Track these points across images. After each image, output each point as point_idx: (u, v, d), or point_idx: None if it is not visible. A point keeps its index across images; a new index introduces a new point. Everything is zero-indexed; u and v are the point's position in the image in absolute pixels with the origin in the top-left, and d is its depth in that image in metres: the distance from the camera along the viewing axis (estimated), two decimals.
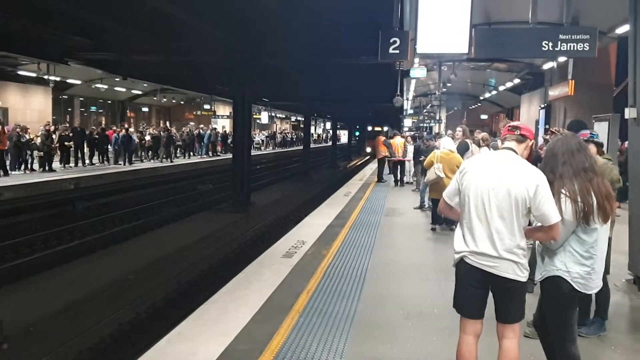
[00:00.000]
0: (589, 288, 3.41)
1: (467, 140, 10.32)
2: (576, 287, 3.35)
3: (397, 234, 9.80)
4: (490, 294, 3.40)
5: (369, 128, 52.96)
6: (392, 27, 8.78)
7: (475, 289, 3.37)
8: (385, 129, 43.46)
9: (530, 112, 28.01)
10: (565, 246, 3.36)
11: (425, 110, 54.43)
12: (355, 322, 5.11)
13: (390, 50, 8.14)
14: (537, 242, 3.62)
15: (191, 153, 30.06)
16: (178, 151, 28.80)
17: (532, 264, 3.69)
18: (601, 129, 6.67)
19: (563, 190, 3.30)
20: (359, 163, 44.07)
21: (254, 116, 46.11)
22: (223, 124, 41.90)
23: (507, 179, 3.24)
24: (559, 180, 3.34)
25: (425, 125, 53.04)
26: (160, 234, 15.35)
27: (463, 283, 3.43)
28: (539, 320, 3.70)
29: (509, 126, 3.56)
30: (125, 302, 9.24)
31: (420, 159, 13.53)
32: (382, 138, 19.54)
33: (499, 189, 3.23)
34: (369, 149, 48.27)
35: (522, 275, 3.27)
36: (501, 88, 30.79)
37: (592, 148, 4.67)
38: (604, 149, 5.09)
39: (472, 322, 3.42)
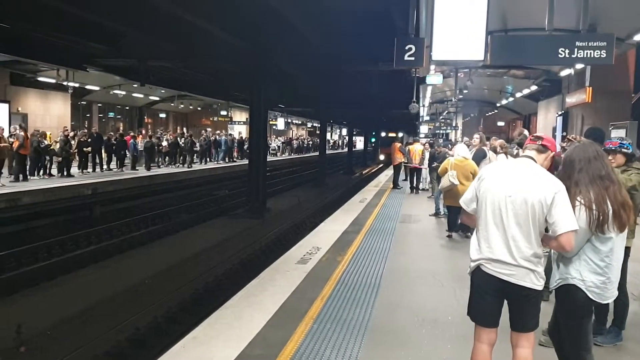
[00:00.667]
0: (604, 297, 3.38)
1: (484, 148, 10.27)
2: (591, 297, 3.32)
3: (412, 241, 9.77)
4: (505, 302, 3.39)
5: (382, 134, 50.91)
6: (408, 34, 8.79)
7: (490, 297, 3.35)
8: (400, 134, 43.27)
9: (547, 119, 27.80)
10: (580, 254, 3.33)
11: (441, 117, 54.28)
12: (369, 329, 5.11)
13: (406, 57, 8.14)
14: (552, 249, 3.59)
15: (208, 159, 30.22)
16: (195, 157, 28.94)
17: (548, 272, 3.66)
18: (618, 136, 6.61)
19: (578, 198, 3.28)
20: (375, 170, 42.54)
21: (270, 122, 46.28)
22: (240, 130, 42.13)
23: (525, 186, 3.22)
24: (574, 188, 3.32)
25: (441, 131, 52.88)
26: (177, 239, 15.46)
27: (478, 291, 3.41)
28: (554, 328, 3.67)
29: (532, 136, 3.55)
30: (141, 306, 9.31)
31: (433, 165, 13.50)
32: (399, 144, 19.51)
33: (517, 196, 3.21)
34: (382, 157, 46.10)
35: (538, 284, 3.25)
36: (518, 95, 30.62)
37: (620, 158, 4.59)
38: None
39: (486, 331, 3.41)
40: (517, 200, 3.21)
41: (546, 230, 3.28)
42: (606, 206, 3.26)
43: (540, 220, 3.20)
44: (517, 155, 5.39)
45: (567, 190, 3.27)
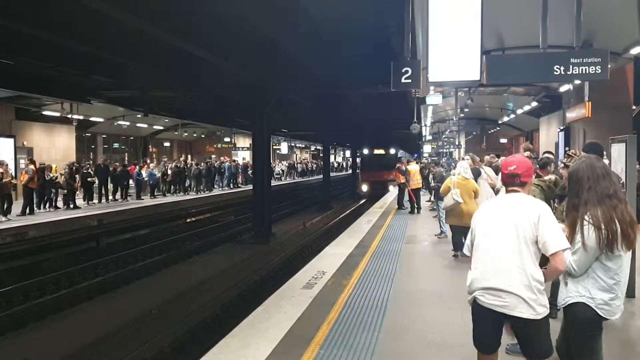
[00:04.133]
0: (613, 314, 3.35)
1: (477, 167, 10.36)
2: (601, 314, 3.30)
3: (418, 262, 9.74)
4: None
5: (365, 151, 36.59)
6: (404, 57, 8.89)
7: (488, 329, 3.39)
8: (399, 153, 34.57)
9: (549, 134, 27.81)
10: (589, 273, 3.31)
11: (444, 136, 54.37)
12: (376, 353, 5.08)
13: (403, 80, 8.22)
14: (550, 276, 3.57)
15: (214, 185, 30.38)
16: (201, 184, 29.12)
17: (555, 289, 3.66)
18: (618, 151, 6.61)
19: (586, 217, 3.26)
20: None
21: (274, 147, 46.52)
22: (243, 156, 42.34)
23: (513, 211, 3.30)
24: (583, 207, 3.29)
25: (444, 150, 52.93)
26: (183, 267, 15.47)
27: (477, 322, 3.46)
28: (563, 345, 3.65)
29: (508, 173, 3.49)
30: (148, 337, 9.29)
31: (431, 185, 13.53)
32: (398, 165, 19.48)
33: (506, 224, 3.28)
34: (364, 187, 35.16)
35: (534, 313, 3.22)
36: (519, 111, 30.64)
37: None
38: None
39: (486, 357, 3.47)
40: (507, 227, 3.27)
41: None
42: (615, 225, 3.26)
43: (531, 243, 3.22)
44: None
45: (576, 208, 3.29)
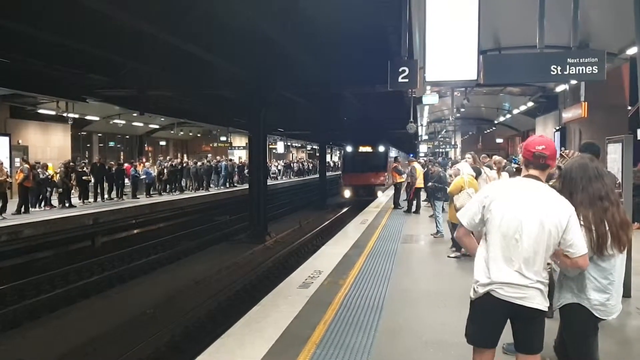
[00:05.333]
0: (609, 314, 3.36)
1: (476, 166, 10.36)
2: (596, 314, 3.30)
3: (415, 262, 9.74)
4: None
5: (348, 149, 30.30)
6: (401, 56, 8.89)
7: (497, 322, 3.27)
8: (392, 153, 31.31)
9: (545, 134, 27.88)
10: (583, 273, 3.30)
11: (440, 136, 54.45)
12: (372, 353, 5.07)
13: (400, 79, 8.22)
14: (554, 267, 3.53)
15: (210, 184, 30.35)
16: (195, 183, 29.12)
17: (551, 289, 3.64)
18: (615, 150, 6.62)
19: (580, 218, 3.25)
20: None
21: (270, 146, 46.47)
22: (240, 155, 42.28)
23: (540, 209, 3.13)
24: (577, 208, 3.25)
25: (440, 150, 53.03)
26: (179, 266, 15.44)
27: (484, 316, 3.30)
28: (560, 346, 3.65)
29: (535, 152, 3.25)
30: (144, 336, 9.26)
31: (429, 185, 13.52)
32: (395, 164, 19.47)
33: (531, 220, 3.12)
34: (347, 192, 28.86)
35: (546, 304, 3.18)
36: (515, 112, 30.76)
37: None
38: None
39: (487, 352, 3.34)
40: (533, 224, 3.12)
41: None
42: (604, 227, 3.25)
43: (554, 244, 3.14)
44: (516, 172, 5.37)
45: None
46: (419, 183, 16.70)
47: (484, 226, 3.29)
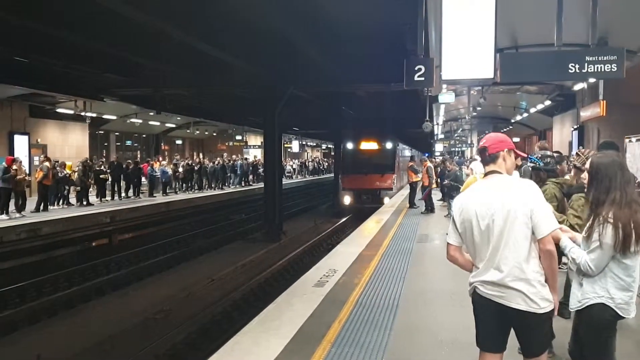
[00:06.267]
0: (630, 312, 3.31)
1: None
2: (620, 313, 3.25)
3: (430, 261, 9.70)
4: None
5: (349, 145, 25.46)
6: (417, 55, 8.84)
7: (492, 320, 3.21)
8: (407, 152, 29.62)
9: (562, 133, 27.61)
10: (606, 272, 3.25)
11: (456, 135, 54.11)
12: (388, 352, 5.07)
13: (416, 78, 8.17)
14: (571, 267, 3.47)
15: (225, 183, 30.52)
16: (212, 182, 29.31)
17: (568, 289, 3.59)
18: (634, 149, 6.56)
19: (610, 216, 3.19)
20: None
21: (285, 145, 46.52)
22: (255, 154, 42.40)
23: (506, 199, 3.11)
24: (609, 205, 3.22)
25: (456, 149, 52.69)
26: (194, 264, 15.54)
27: (479, 315, 3.28)
28: (575, 348, 3.61)
29: (479, 149, 3.43)
30: (161, 334, 9.33)
31: (444, 183, 13.45)
32: (411, 164, 19.40)
33: (500, 212, 3.10)
34: (347, 198, 24.21)
35: (534, 307, 3.07)
36: (532, 110, 30.42)
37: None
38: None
39: (490, 356, 3.26)
40: (501, 215, 3.09)
41: None
42: (630, 227, 3.21)
43: (525, 230, 3.07)
44: (535, 170, 5.34)
45: (602, 204, 3.22)
46: (432, 183, 16.68)
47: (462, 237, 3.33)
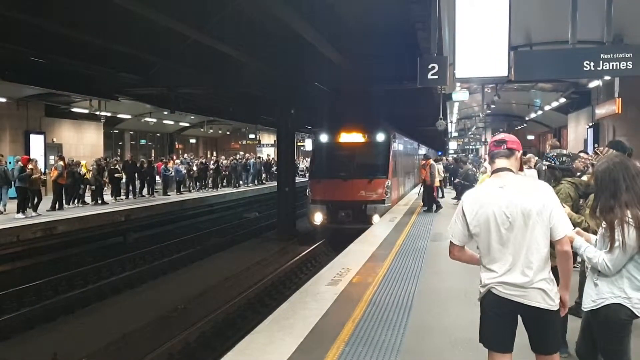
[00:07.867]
0: None
1: None
2: (637, 313, 3.24)
3: (445, 259, 9.55)
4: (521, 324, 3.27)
5: (322, 138, 17.98)
6: (431, 53, 8.83)
7: (504, 321, 3.20)
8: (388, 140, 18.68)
9: (577, 131, 27.38)
10: (622, 272, 3.23)
11: (470, 133, 53.88)
12: (402, 351, 5.06)
13: (429, 76, 8.16)
14: (587, 265, 3.47)
15: (240, 182, 30.68)
16: (225, 180, 29.46)
17: (581, 288, 3.58)
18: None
19: (629, 218, 3.17)
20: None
21: (298, 143, 46.58)
22: (268, 152, 42.53)
23: (521, 200, 3.10)
24: (622, 208, 3.19)
25: (470, 147, 52.47)
26: (208, 263, 15.60)
27: (491, 315, 3.25)
28: (583, 348, 3.59)
29: (495, 141, 3.40)
30: (175, 332, 9.38)
31: (455, 181, 13.40)
32: (424, 162, 19.26)
33: (521, 216, 3.09)
34: (317, 215, 16.81)
35: (552, 304, 3.11)
36: (547, 108, 30.20)
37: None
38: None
39: (500, 356, 3.25)
40: (522, 217, 3.09)
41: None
42: None
43: (545, 231, 3.09)
44: (550, 169, 5.29)
45: (612, 210, 3.20)
46: (436, 182, 16.62)
47: (474, 237, 3.31)
